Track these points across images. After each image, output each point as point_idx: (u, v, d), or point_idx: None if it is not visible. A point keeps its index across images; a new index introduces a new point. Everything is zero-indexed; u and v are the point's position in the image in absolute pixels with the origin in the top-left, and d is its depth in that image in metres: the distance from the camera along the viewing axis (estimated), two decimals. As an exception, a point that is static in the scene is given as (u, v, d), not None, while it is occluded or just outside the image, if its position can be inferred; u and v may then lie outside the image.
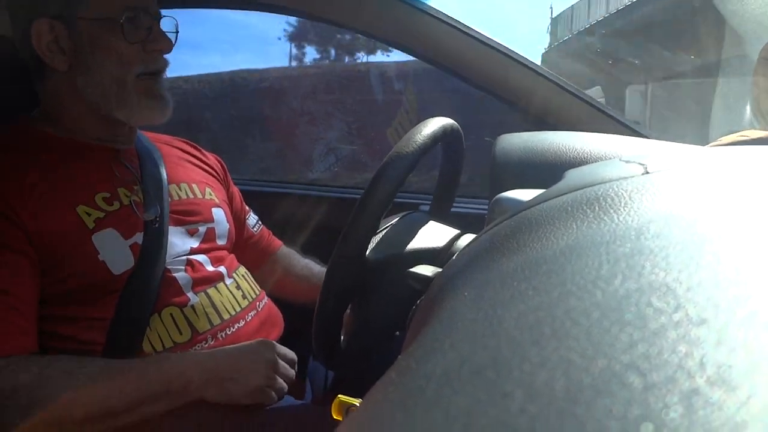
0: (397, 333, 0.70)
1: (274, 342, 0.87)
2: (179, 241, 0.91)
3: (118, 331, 0.81)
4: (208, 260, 0.94)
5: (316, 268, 1.16)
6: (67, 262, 0.79)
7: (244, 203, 1.16)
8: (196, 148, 1.12)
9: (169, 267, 0.87)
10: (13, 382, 0.71)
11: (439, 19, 1.19)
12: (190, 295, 0.87)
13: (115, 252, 0.82)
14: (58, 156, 0.85)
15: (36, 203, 0.78)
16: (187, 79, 4.43)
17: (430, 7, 1.20)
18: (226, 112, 4.67)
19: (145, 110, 0.88)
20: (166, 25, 0.92)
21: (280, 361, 0.84)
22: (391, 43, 1.25)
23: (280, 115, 4.51)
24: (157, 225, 0.88)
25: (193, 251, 0.92)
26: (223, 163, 1.15)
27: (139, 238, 0.85)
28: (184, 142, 1.12)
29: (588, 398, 0.14)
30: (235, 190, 1.15)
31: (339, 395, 0.54)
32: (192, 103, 4.40)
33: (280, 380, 0.83)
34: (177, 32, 0.95)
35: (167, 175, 0.96)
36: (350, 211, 0.62)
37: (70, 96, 0.87)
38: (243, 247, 1.11)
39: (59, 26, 0.83)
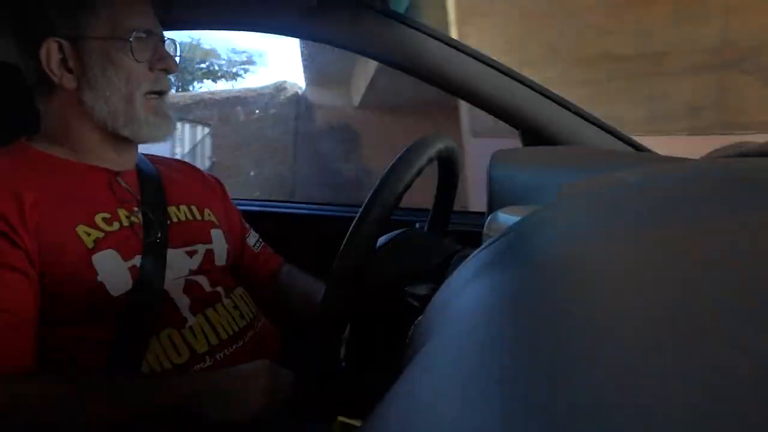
0: (395, 357, 0.70)
1: (271, 363, 0.87)
2: (178, 263, 0.90)
3: (117, 352, 0.81)
4: (207, 281, 0.93)
5: (317, 286, 1.16)
6: (67, 283, 0.78)
7: (243, 222, 1.16)
8: (195, 170, 1.13)
9: (167, 289, 0.87)
10: (13, 400, 0.71)
11: (434, 37, 1.20)
12: (188, 316, 0.87)
13: (114, 273, 0.82)
14: (58, 176, 0.85)
15: (36, 223, 0.78)
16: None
17: (424, 24, 1.21)
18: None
19: (153, 128, 0.91)
20: (168, 48, 0.95)
21: (278, 382, 0.84)
22: (384, 60, 1.26)
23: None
24: (156, 247, 0.88)
25: (191, 273, 0.92)
26: (222, 184, 1.16)
27: (138, 260, 0.85)
28: (184, 163, 1.13)
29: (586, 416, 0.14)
30: (234, 210, 1.15)
31: (339, 416, 0.53)
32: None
33: (278, 401, 0.82)
34: (180, 55, 0.98)
35: (167, 196, 0.96)
36: (348, 229, 0.62)
37: (77, 115, 0.88)
38: (244, 266, 1.10)
39: (67, 46, 0.85)
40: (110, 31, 0.86)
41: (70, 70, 0.86)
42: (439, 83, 1.25)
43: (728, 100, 2.16)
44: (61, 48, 0.85)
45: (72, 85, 0.86)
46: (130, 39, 0.86)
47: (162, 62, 0.90)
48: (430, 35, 1.20)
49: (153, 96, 0.90)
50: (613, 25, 2.10)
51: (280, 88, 3.45)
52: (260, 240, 1.17)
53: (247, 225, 1.16)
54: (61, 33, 0.85)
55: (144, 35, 0.88)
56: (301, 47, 3.24)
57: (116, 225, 0.85)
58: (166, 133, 0.93)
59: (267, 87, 3.46)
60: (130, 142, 0.94)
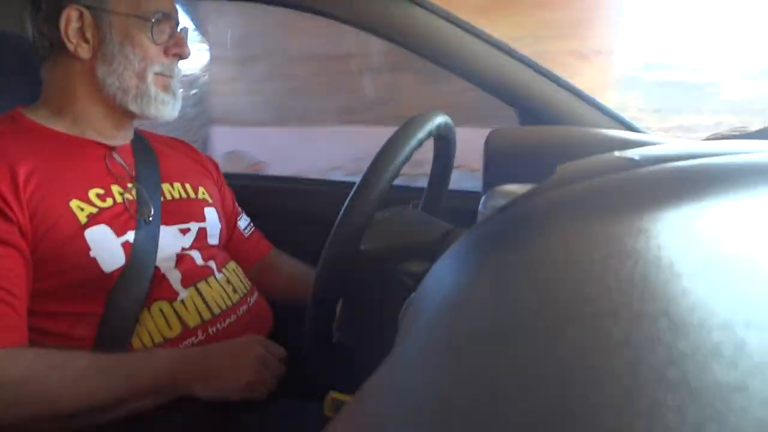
0: (387, 333, 0.70)
1: (263, 338, 0.87)
2: (170, 240, 0.90)
3: (108, 326, 0.81)
4: (199, 255, 0.93)
5: (304, 271, 1.16)
6: (59, 258, 0.78)
7: (236, 204, 1.16)
8: (190, 149, 1.13)
9: (159, 265, 0.87)
10: (1, 376, 0.71)
11: (435, 13, 1.18)
12: (179, 290, 0.87)
13: (107, 249, 0.82)
14: (53, 150, 0.85)
15: (29, 196, 0.77)
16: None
17: (428, 2, 1.19)
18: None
19: (161, 104, 0.91)
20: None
21: (270, 357, 0.84)
22: (383, 35, 1.25)
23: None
24: (149, 224, 0.87)
25: (184, 250, 0.92)
26: (217, 164, 1.15)
27: (131, 236, 0.85)
28: (180, 142, 1.13)
29: (581, 392, 0.14)
30: (228, 190, 1.15)
31: (331, 391, 0.54)
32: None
33: (270, 376, 0.83)
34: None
35: (161, 173, 0.96)
36: (343, 205, 0.62)
37: (85, 85, 0.88)
38: (233, 249, 1.10)
39: (88, 16, 0.85)
40: (133, 9, 0.87)
41: (86, 40, 0.86)
42: (436, 60, 1.24)
43: (396, 97, 2.62)
44: (81, 17, 0.85)
45: (86, 55, 0.86)
46: (152, 20, 0.87)
47: (177, 48, 0.91)
48: (429, 10, 1.18)
49: (163, 75, 0.91)
50: (318, 29, 2.42)
51: (206, 69, 3.55)
52: (251, 224, 1.17)
53: (240, 208, 1.16)
54: (84, 2, 0.85)
55: (163, 18, 0.89)
56: (198, 33, 3.29)
57: (109, 201, 0.85)
58: (172, 110, 0.93)
59: (198, 69, 3.59)
60: (132, 118, 0.94)
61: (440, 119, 0.70)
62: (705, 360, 0.14)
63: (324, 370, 0.69)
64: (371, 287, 0.67)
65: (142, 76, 0.88)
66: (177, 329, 0.84)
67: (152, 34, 0.88)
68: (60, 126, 0.88)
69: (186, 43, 0.93)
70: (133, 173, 0.92)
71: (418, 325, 0.25)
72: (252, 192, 1.28)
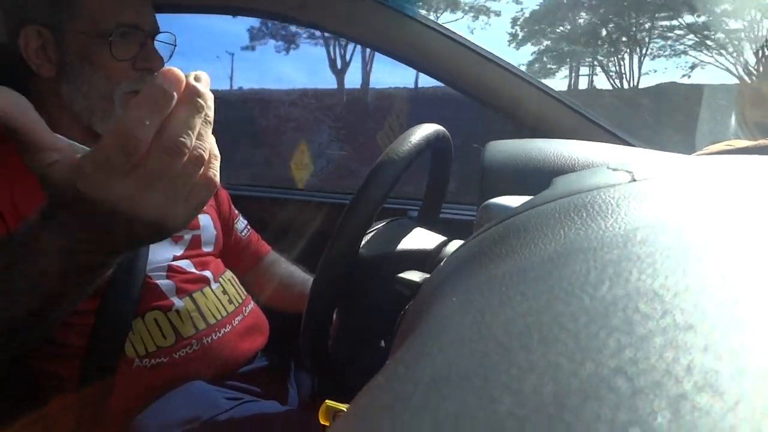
0: (383, 344, 0.70)
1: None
2: (161, 249, 0.90)
3: (100, 335, 0.80)
4: (192, 264, 0.93)
5: (300, 278, 1.15)
6: None
7: (232, 207, 1.15)
8: None
9: (150, 273, 0.86)
10: None
11: (429, 27, 1.19)
12: (174, 299, 0.87)
13: None
14: None
15: (22, 207, 0.77)
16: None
17: (421, 15, 1.20)
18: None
19: None
20: (164, 40, 0.91)
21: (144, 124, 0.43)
22: (381, 50, 1.26)
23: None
24: None
25: (175, 258, 0.91)
26: None
27: None
28: None
29: (576, 403, 0.14)
30: (223, 193, 1.14)
31: (326, 400, 0.53)
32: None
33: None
34: (174, 45, 0.94)
35: None
36: (340, 216, 0.62)
37: (54, 104, 0.84)
38: (232, 252, 1.10)
39: (47, 34, 0.81)
40: (91, 26, 0.81)
41: (49, 59, 0.82)
42: (433, 74, 1.25)
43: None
44: (40, 35, 0.81)
45: (50, 74, 0.83)
46: (110, 37, 0.81)
47: (145, 62, 0.85)
48: (426, 26, 1.20)
49: (135, 94, 0.86)
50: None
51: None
52: (248, 227, 1.17)
53: (236, 211, 1.16)
54: (41, 20, 0.81)
55: (128, 31, 0.83)
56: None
57: None
58: None
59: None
60: None
61: (438, 130, 0.71)
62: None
63: (320, 379, 0.69)
64: (368, 297, 0.67)
65: (108, 98, 0.83)
66: (171, 339, 0.84)
67: (113, 52, 0.82)
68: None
69: (155, 55, 0.87)
70: None
71: (414, 335, 0.25)
72: (248, 202, 1.29)
